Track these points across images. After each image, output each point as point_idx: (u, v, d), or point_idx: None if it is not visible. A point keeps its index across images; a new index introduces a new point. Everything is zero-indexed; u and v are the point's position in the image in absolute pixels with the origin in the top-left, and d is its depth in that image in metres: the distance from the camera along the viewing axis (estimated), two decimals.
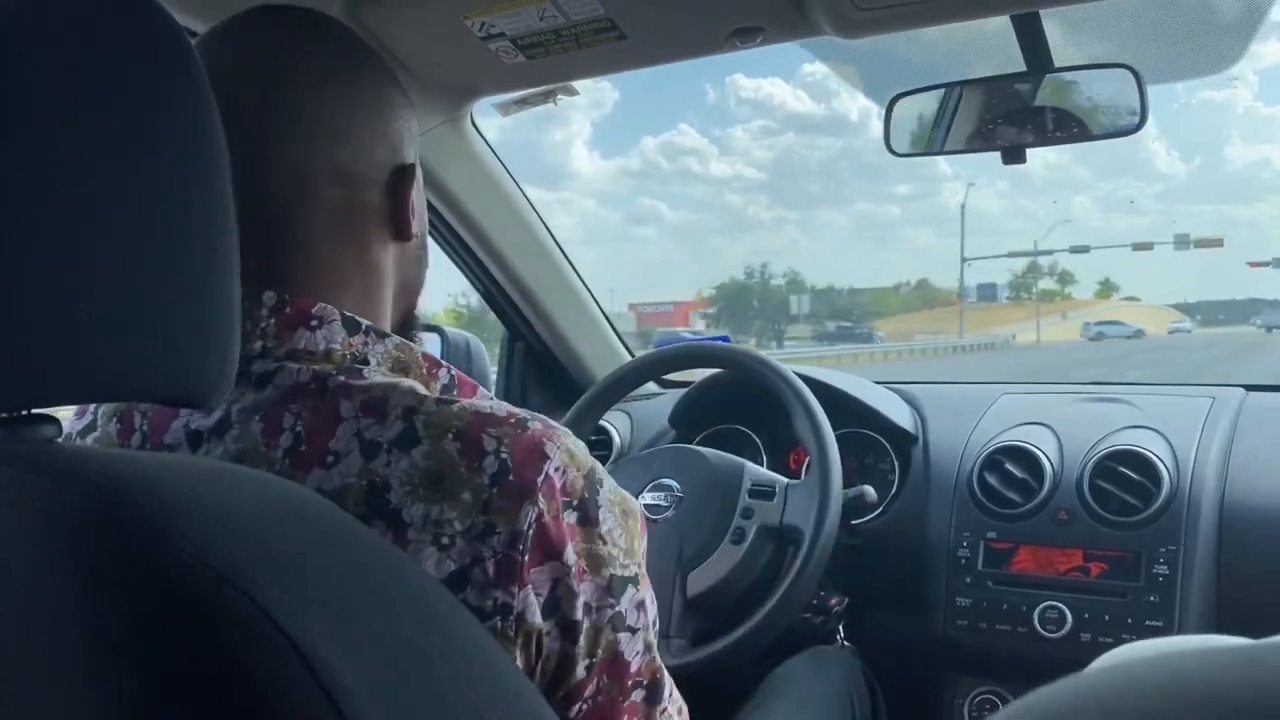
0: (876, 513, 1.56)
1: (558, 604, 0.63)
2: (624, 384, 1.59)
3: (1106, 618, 1.37)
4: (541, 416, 0.67)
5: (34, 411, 0.52)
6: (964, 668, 1.52)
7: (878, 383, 1.73)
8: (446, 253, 1.67)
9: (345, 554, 0.52)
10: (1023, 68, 1.25)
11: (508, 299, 1.76)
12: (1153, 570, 1.36)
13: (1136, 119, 1.18)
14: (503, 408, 0.67)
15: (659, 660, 0.70)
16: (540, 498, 0.62)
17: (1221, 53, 1.49)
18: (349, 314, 0.70)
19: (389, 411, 0.64)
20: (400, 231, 0.74)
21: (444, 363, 0.74)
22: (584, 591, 0.64)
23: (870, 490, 1.45)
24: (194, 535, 0.46)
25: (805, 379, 1.46)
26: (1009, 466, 1.49)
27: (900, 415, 1.64)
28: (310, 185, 0.70)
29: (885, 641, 1.53)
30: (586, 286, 1.86)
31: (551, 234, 1.76)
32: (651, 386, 1.98)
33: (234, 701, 0.44)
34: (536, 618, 0.62)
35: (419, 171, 0.78)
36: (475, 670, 0.54)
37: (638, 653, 0.67)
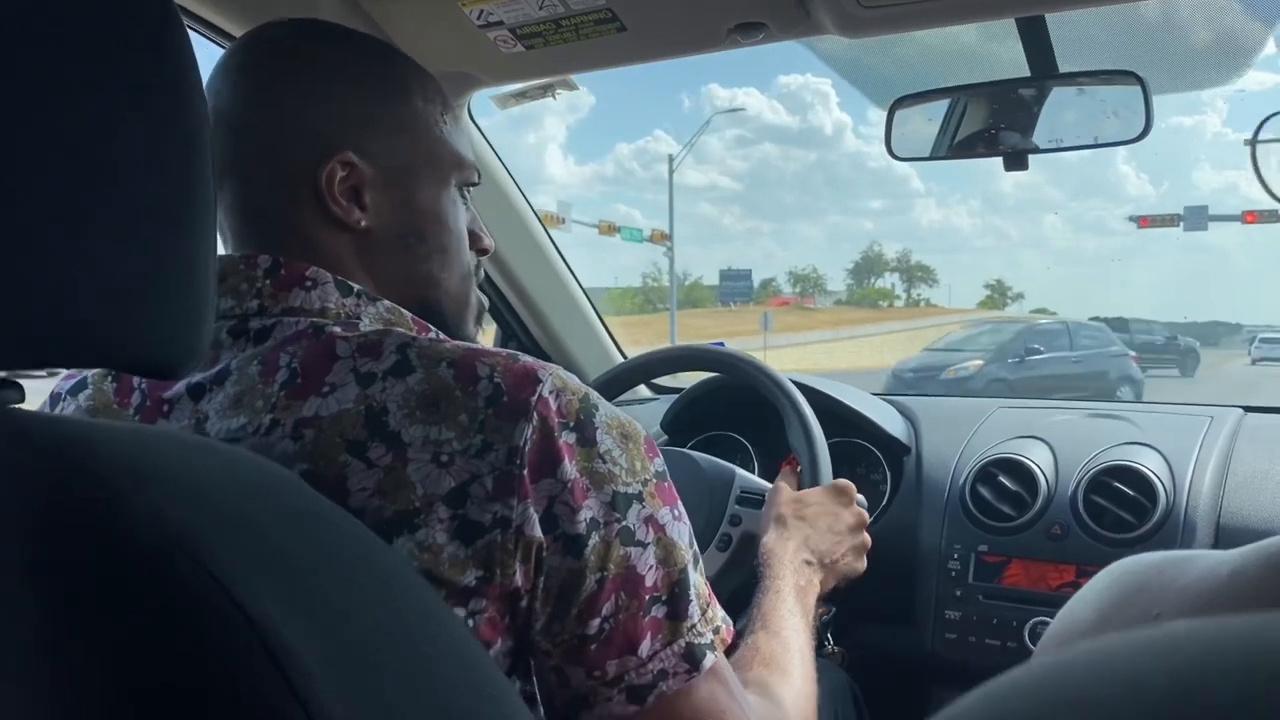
0: (867, 523, 1.54)
1: (557, 520, 0.64)
2: (616, 385, 1.57)
3: None
4: (533, 357, 0.70)
5: None
6: (951, 681, 1.50)
7: (874, 394, 1.71)
8: None
9: (313, 532, 0.51)
10: (1027, 73, 1.23)
11: (501, 297, 1.75)
12: None
13: (1141, 127, 1.17)
14: (496, 348, 0.69)
15: (687, 575, 0.69)
16: (535, 416, 0.65)
17: (1228, 65, 1.48)
18: (340, 278, 0.73)
19: (384, 349, 0.67)
20: (335, 218, 0.75)
21: (434, 327, 0.76)
22: (587, 507, 0.65)
23: (861, 499, 1.43)
24: (152, 501, 0.45)
25: (800, 386, 1.45)
26: (1003, 479, 1.47)
27: (894, 425, 1.62)
28: (242, 178, 0.75)
29: (871, 653, 1.51)
30: (581, 287, 1.84)
31: (548, 232, 1.75)
32: (643, 390, 1.96)
33: (185, 672, 0.43)
34: (536, 530, 0.64)
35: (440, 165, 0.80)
36: (444, 653, 0.52)
37: (651, 567, 0.67)
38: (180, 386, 0.71)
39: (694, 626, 0.69)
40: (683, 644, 0.68)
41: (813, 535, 1.14)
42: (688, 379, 1.74)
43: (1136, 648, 0.23)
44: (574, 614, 0.66)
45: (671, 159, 30.83)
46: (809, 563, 1.10)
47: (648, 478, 0.69)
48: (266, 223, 0.75)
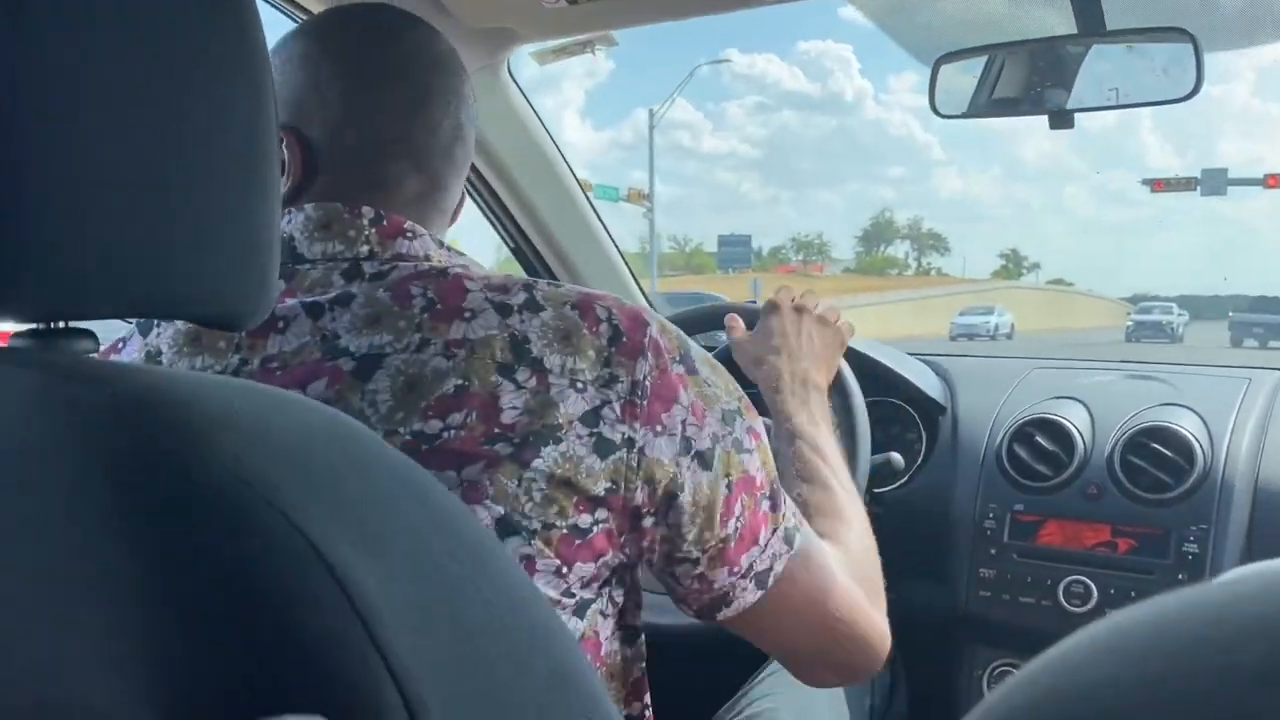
0: (901, 482, 1.55)
1: (690, 442, 0.74)
2: None
3: (1133, 594, 1.36)
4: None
5: (70, 325, 0.52)
6: (985, 639, 1.51)
7: (910, 354, 1.71)
8: (477, 204, 1.65)
9: (379, 477, 0.52)
10: (1074, 30, 1.22)
11: (536, 254, 1.75)
12: (1182, 549, 1.34)
13: (1192, 85, 1.16)
14: (596, 291, 0.78)
15: (775, 473, 0.81)
16: (649, 354, 0.73)
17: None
18: (429, 233, 0.80)
19: (510, 286, 0.74)
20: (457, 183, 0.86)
21: None
22: (708, 424, 0.75)
23: (898, 457, 1.44)
24: (228, 448, 0.45)
25: None
26: (1039, 439, 1.48)
27: (930, 385, 1.62)
28: (442, 166, 0.84)
29: (905, 610, 1.51)
30: (616, 245, 1.84)
31: (584, 190, 1.74)
32: None
33: (262, 618, 0.43)
34: (659, 454, 0.72)
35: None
36: (504, 600, 0.53)
37: (758, 468, 0.78)
38: (294, 303, 0.74)
39: (784, 514, 0.80)
40: (783, 529, 0.80)
41: (791, 363, 1.13)
42: (720, 337, 1.74)
43: (1249, 589, 0.24)
44: (717, 519, 0.75)
45: (652, 113, 30.18)
46: (805, 386, 1.11)
47: (740, 395, 0.79)
48: (386, 188, 0.81)
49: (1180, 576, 1.33)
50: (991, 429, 1.53)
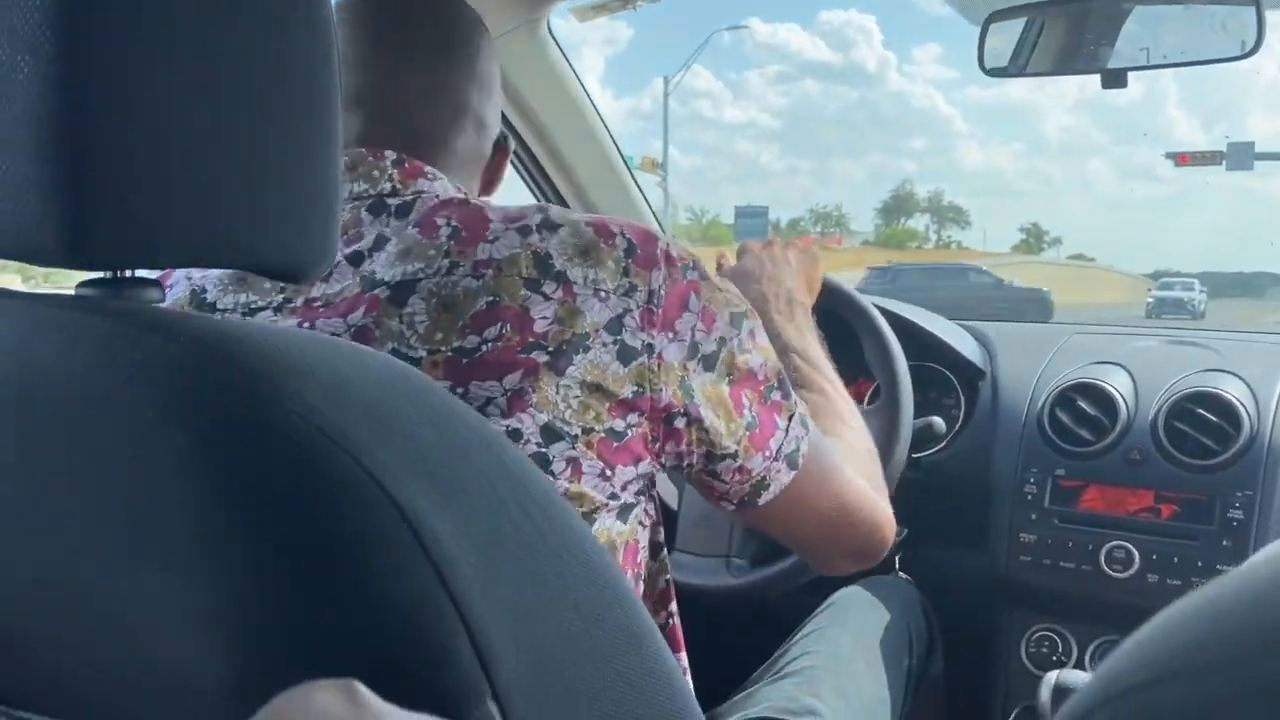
0: (940, 446, 1.54)
1: (696, 347, 0.78)
2: None
3: (1175, 560, 1.35)
4: None
5: (137, 274, 0.52)
6: (1025, 604, 1.51)
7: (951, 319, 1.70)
8: (513, 163, 1.64)
9: (453, 430, 0.52)
10: None
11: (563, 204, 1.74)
12: (1227, 514, 1.33)
13: (1253, 43, 1.13)
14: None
15: (779, 369, 0.86)
16: (663, 264, 0.78)
17: None
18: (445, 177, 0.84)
19: (525, 213, 0.78)
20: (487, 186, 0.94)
21: None
22: (717, 327, 0.80)
23: (939, 421, 1.43)
24: (305, 397, 0.45)
25: (879, 309, 1.44)
26: (1081, 404, 1.47)
27: (969, 350, 1.61)
28: (461, 120, 0.88)
29: (943, 574, 1.52)
30: (651, 209, 1.83)
31: (621, 152, 1.73)
32: None
33: (339, 565, 0.43)
34: (675, 356, 0.77)
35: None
36: (573, 555, 0.53)
37: (760, 364, 0.83)
38: (337, 257, 0.76)
39: (795, 402, 0.86)
40: (797, 415, 0.86)
41: (774, 285, 1.17)
42: None
43: None
44: (733, 411, 0.80)
45: (667, 80, 30.08)
46: (791, 304, 1.16)
47: (745, 301, 0.85)
48: (427, 138, 0.86)
49: (1224, 543, 1.32)
50: (1033, 394, 1.52)
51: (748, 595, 1.33)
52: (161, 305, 0.53)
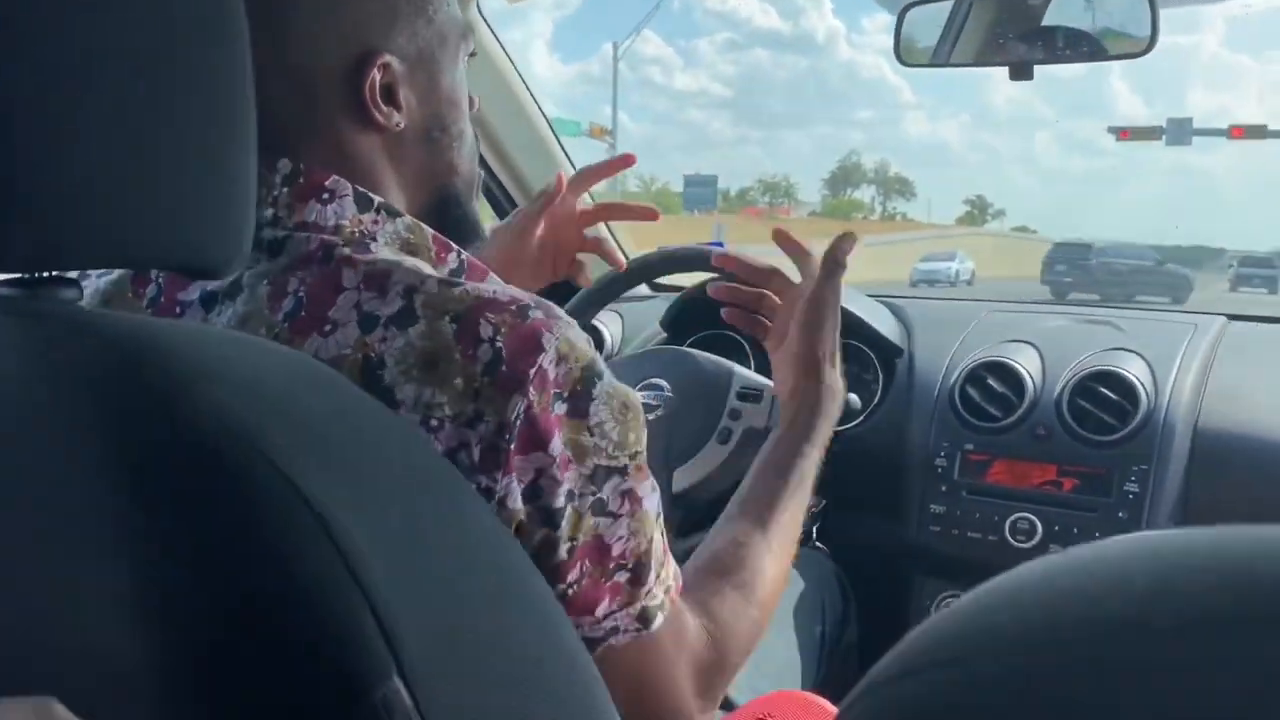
0: (858, 420, 1.60)
1: (540, 492, 0.64)
2: (618, 285, 1.59)
3: (1075, 530, 1.42)
4: (547, 304, 0.68)
5: (54, 274, 0.52)
6: (934, 572, 1.57)
7: (869, 295, 1.75)
8: None
9: (362, 424, 0.53)
10: None
11: (503, 190, 1.76)
12: (1124, 488, 1.40)
13: (1147, 41, 1.19)
14: (507, 293, 0.66)
15: (653, 544, 0.71)
16: (531, 390, 0.63)
17: None
18: (361, 189, 0.71)
19: (390, 287, 0.65)
20: (372, 122, 0.72)
21: (455, 246, 0.74)
22: (567, 480, 0.65)
23: (854, 398, 1.48)
24: (216, 397, 0.46)
25: None
26: (991, 382, 1.53)
27: (887, 328, 1.67)
28: (262, 84, 0.66)
29: (858, 544, 1.58)
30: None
31: (553, 129, 1.75)
32: (644, 289, 1.99)
33: (252, 567, 0.45)
34: (518, 503, 0.64)
35: (454, 58, 0.78)
36: (485, 550, 0.55)
37: (620, 538, 0.68)
38: (195, 292, 0.71)
39: (650, 590, 0.70)
40: (638, 607, 0.70)
41: (831, 372, 1.00)
42: (687, 279, 1.76)
43: (1121, 550, 0.27)
44: (551, 573, 0.66)
45: (616, 46, 29.81)
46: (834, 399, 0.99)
47: (638, 450, 0.69)
48: (295, 128, 0.71)
49: (1121, 514, 1.39)
50: (946, 371, 1.58)
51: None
52: (79, 304, 0.54)
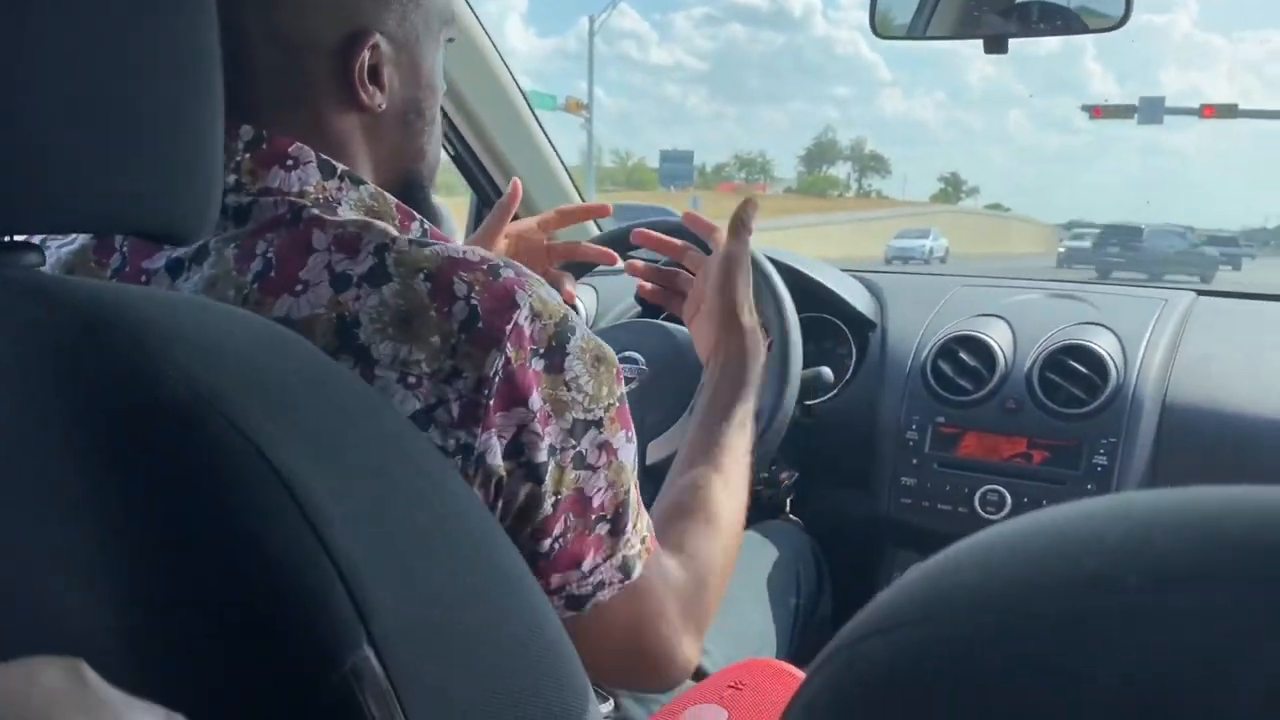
0: (831, 394, 1.61)
1: (522, 448, 0.65)
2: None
3: (1044, 503, 1.42)
4: (516, 264, 0.68)
5: (17, 239, 0.52)
6: (905, 543, 1.59)
7: (844, 270, 1.76)
8: None
9: (330, 391, 0.53)
10: None
11: (478, 163, 1.75)
12: (1092, 460, 1.42)
13: (1120, 16, 1.19)
14: (476, 253, 0.67)
15: (630, 495, 0.73)
16: (508, 345, 0.64)
17: None
18: (325, 157, 0.70)
19: (361, 247, 0.65)
20: (355, 101, 0.72)
21: (419, 216, 0.74)
22: (549, 435, 0.66)
23: (827, 371, 1.49)
24: (182, 363, 0.46)
25: (772, 261, 1.48)
26: (962, 355, 1.54)
27: (861, 302, 1.67)
28: (248, 49, 0.68)
29: (831, 516, 1.59)
30: (559, 156, 1.85)
31: (528, 102, 1.74)
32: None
33: (217, 530, 0.45)
34: (497, 459, 0.64)
35: (433, 43, 0.77)
36: (451, 512, 0.55)
37: (599, 489, 0.70)
38: (161, 260, 0.70)
39: (628, 539, 0.73)
40: (620, 557, 0.72)
41: (747, 339, 1.06)
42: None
43: (1093, 510, 0.28)
44: (529, 533, 0.68)
45: (593, 19, 29.44)
46: (754, 363, 1.05)
47: (612, 402, 0.70)
48: (274, 97, 0.71)
49: (1089, 486, 1.41)
50: (918, 344, 1.59)
51: None
52: (42, 269, 0.53)
